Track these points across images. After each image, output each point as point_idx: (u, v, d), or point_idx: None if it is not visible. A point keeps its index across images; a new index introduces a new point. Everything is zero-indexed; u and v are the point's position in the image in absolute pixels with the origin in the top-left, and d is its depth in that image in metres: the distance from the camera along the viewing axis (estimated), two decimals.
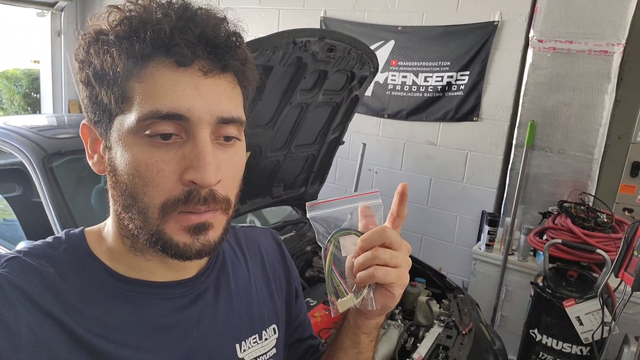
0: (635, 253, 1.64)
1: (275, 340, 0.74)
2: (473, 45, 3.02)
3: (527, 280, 2.65)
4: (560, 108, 2.82)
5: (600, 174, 2.85)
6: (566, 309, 2.21)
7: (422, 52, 3.20)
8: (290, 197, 2.47)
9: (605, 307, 2.15)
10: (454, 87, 3.15)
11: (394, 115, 3.39)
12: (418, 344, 1.76)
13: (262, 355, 0.71)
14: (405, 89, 3.31)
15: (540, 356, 2.37)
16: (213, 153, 0.55)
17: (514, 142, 3.00)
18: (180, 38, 0.53)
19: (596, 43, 2.66)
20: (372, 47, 2.40)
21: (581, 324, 2.19)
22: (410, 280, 2.13)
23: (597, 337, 2.18)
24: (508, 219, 2.94)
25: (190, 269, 0.66)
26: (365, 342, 0.72)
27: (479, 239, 3.14)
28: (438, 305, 2.03)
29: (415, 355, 1.66)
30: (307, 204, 0.64)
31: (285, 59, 1.66)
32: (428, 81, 3.21)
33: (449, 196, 3.32)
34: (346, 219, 0.64)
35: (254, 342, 0.70)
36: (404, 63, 3.28)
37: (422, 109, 3.27)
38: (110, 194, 0.60)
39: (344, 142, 2.50)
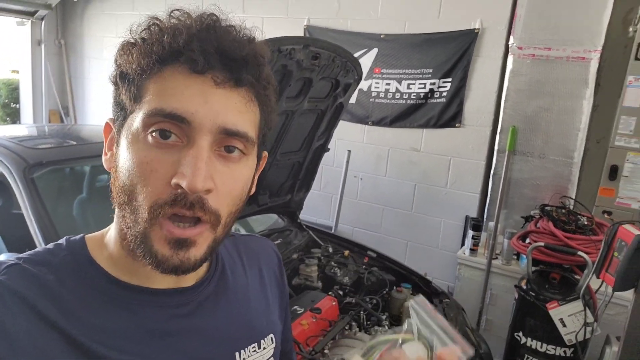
0: (616, 254, 1.68)
1: (272, 349, 0.74)
2: (455, 52, 3.08)
3: (511, 283, 2.69)
4: (540, 113, 2.88)
5: (580, 178, 2.91)
6: (549, 311, 2.24)
7: (405, 59, 3.24)
8: (276, 204, 2.47)
9: (587, 308, 2.19)
10: (437, 94, 3.19)
11: (378, 122, 3.42)
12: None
13: None
14: (388, 96, 3.34)
15: (525, 359, 2.40)
16: (208, 161, 0.55)
17: (496, 147, 3.05)
18: (197, 46, 0.54)
19: (574, 49, 2.73)
20: (355, 55, 2.42)
21: (564, 325, 2.23)
22: (396, 286, 2.14)
23: (580, 338, 2.21)
24: (491, 224, 2.98)
25: (189, 276, 0.65)
26: None
27: (463, 244, 3.17)
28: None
29: None
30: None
31: (270, 66, 1.66)
32: (411, 88, 3.25)
33: (433, 202, 3.36)
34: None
35: (253, 351, 0.70)
36: (387, 71, 3.31)
37: (405, 115, 3.31)
38: (112, 193, 0.61)
39: (329, 149, 2.51)
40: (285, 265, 2.31)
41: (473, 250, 2.97)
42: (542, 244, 2.39)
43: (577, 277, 2.38)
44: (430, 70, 3.17)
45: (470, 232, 2.96)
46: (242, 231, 2.70)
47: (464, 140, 3.18)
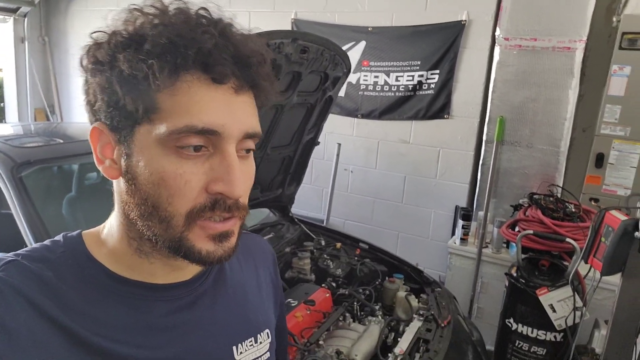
0: (603, 239, 1.71)
1: (268, 344, 0.75)
2: (442, 44, 3.09)
3: (502, 271, 2.73)
4: (527, 103, 2.91)
5: (567, 166, 2.96)
6: (539, 297, 2.28)
7: (393, 52, 3.25)
8: (267, 199, 2.47)
9: (576, 293, 2.23)
10: (425, 86, 3.21)
11: (368, 115, 3.44)
12: (399, 339, 1.79)
13: (257, 358, 0.72)
14: (377, 89, 3.35)
15: (516, 345, 2.44)
16: (239, 166, 0.57)
17: (484, 137, 3.08)
18: (220, 57, 0.54)
19: (559, 40, 2.76)
20: (343, 48, 2.42)
21: (554, 311, 2.27)
22: (388, 277, 2.16)
23: (569, 323, 2.26)
24: (481, 213, 3.01)
25: (188, 271, 0.67)
26: None
27: (453, 234, 3.20)
28: (417, 300, 2.07)
29: (396, 350, 1.69)
30: None
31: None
32: (399, 80, 3.27)
33: (423, 193, 3.39)
34: None
35: (250, 345, 0.72)
36: (376, 63, 3.32)
37: (394, 108, 3.33)
38: (121, 200, 0.60)
39: (319, 142, 2.51)
40: (278, 258, 2.32)
41: (463, 240, 3.00)
42: (531, 231, 2.43)
43: (565, 263, 2.42)
44: (418, 63, 3.19)
45: (460, 222, 2.99)
46: None
47: (453, 131, 3.21)
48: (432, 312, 1.98)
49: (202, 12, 0.57)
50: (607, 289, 2.28)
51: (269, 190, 2.47)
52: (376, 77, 3.34)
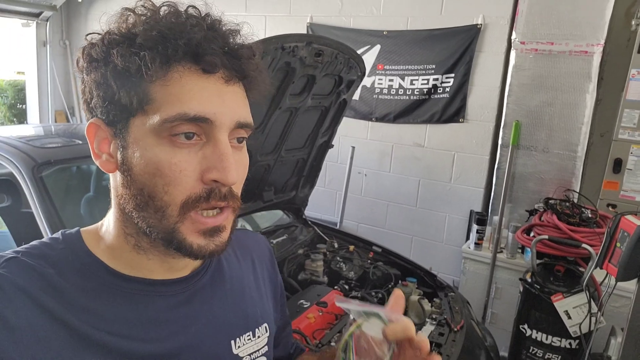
0: (618, 244, 1.69)
1: (266, 338, 0.76)
2: (457, 48, 3.08)
3: (516, 277, 2.70)
4: (543, 108, 2.89)
5: (584, 171, 2.92)
6: (554, 304, 2.26)
7: (408, 55, 3.25)
8: (281, 201, 2.49)
9: (592, 300, 2.20)
10: (440, 90, 3.20)
11: (382, 119, 3.44)
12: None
13: (255, 352, 0.74)
14: (392, 93, 3.36)
15: (530, 351, 2.41)
16: (233, 155, 0.59)
17: (500, 142, 3.05)
18: (209, 47, 0.56)
19: (576, 44, 2.73)
20: (358, 52, 2.43)
21: (569, 317, 2.24)
22: (401, 280, 2.16)
23: (584, 329, 2.23)
24: (496, 218, 2.99)
25: (185, 267, 0.69)
26: None
27: (467, 238, 3.18)
28: (430, 304, 2.06)
29: None
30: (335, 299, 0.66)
31: (274, 64, 1.68)
32: (414, 84, 3.26)
33: (437, 197, 3.37)
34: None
35: (248, 339, 0.73)
36: (390, 67, 3.33)
37: (409, 111, 3.32)
38: (117, 194, 0.62)
39: (333, 145, 2.52)
40: (290, 261, 2.35)
41: (478, 244, 2.98)
42: (547, 237, 2.40)
43: (581, 269, 2.39)
44: (433, 66, 3.18)
45: (475, 227, 2.97)
46: (248, 227, 2.72)
47: (468, 135, 3.19)
48: (445, 317, 1.97)
49: (191, 9, 0.59)
50: (624, 297, 2.25)
51: (282, 192, 2.49)
52: (391, 80, 3.34)
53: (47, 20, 4.85)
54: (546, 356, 2.36)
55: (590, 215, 2.51)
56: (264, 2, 3.76)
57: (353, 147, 3.40)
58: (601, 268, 1.81)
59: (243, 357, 0.71)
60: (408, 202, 3.48)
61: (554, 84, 2.83)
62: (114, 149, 0.60)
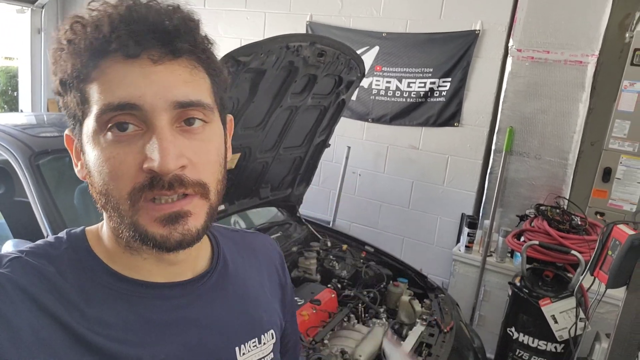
0: (610, 252, 1.73)
1: (272, 345, 0.75)
2: (455, 52, 3.12)
3: (505, 280, 2.75)
4: (537, 115, 2.94)
5: (574, 179, 2.98)
6: (542, 308, 2.30)
7: (406, 58, 3.28)
8: (277, 198, 2.51)
9: (579, 306, 2.25)
10: (436, 93, 3.24)
11: (378, 120, 3.47)
12: (402, 342, 1.82)
13: (261, 358, 0.72)
14: (389, 94, 3.38)
15: (516, 353, 2.46)
16: (173, 139, 0.55)
17: (493, 147, 3.10)
18: (124, 30, 0.53)
19: (572, 53, 2.78)
20: (357, 52, 2.46)
21: (556, 322, 2.29)
22: (392, 281, 2.19)
23: (571, 334, 2.27)
24: (487, 222, 3.03)
25: (188, 270, 0.67)
26: None
27: (458, 241, 3.23)
28: (420, 305, 2.09)
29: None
30: None
31: (278, 63, 1.70)
32: (411, 87, 3.30)
33: (430, 199, 3.41)
34: None
35: (253, 346, 0.71)
36: (388, 69, 3.35)
37: (405, 113, 3.36)
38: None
39: (330, 144, 2.55)
40: (284, 257, 2.35)
41: (468, 247, 3.02)
42: (537, 242, 2.45)
43: (569, 275, 2.44)
44: (431, 70, 3.22)
45: (466, 230, 3.02)
46: (242, 224, 2.73)
47: (462, 139, 3.23)
48: (435, 317, 2.00)
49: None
50: (610, 303, 2.30)
51: (278, 189, 2.50)
52: (388, 82, 3.37)
53: (42, 8, 4.79)
54: (532, 359, 2.41)
55: (579, 223, 2.56)
56: None
57: (349, 147, 3.43)
58: (592, 275, 1.85)
59: None
60: (401, 203, 3.52)
61: (548, 92, 2.88)
62: (83, 155, 0.60)
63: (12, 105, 5.57)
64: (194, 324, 0.65)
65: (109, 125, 0.54)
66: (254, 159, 2.09)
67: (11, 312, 0.53)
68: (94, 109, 0.54)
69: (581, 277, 2.19)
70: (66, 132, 0.62)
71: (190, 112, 0.57)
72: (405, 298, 2.11)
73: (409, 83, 3.30)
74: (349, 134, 3.55)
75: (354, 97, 3.43)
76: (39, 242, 0.62)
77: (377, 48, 3.37)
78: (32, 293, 0.55)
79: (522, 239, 2.67)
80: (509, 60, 2.96)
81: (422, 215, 3.46)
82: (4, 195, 2.50)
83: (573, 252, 2.32)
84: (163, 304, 0.63)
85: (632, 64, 2.69)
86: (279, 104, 1.93)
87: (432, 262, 3.36)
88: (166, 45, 0.55)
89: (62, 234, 0.64)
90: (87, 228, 0.65)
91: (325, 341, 1.75)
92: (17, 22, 4.88)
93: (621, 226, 1.73)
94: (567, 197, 2.91)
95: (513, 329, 2.47)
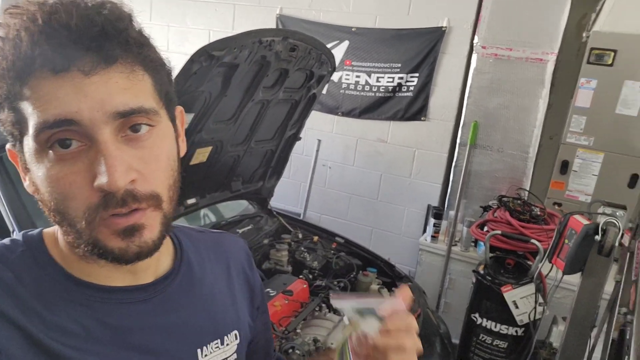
0: (566, 241, 1.84)
1: (236, 345, 0.74)
2: (422, 48, 3.19)
3: (469, 269, 2.86)
4: (500, 110, 3.05)
5: (534, 171, 3.11)
6: (504, 294, 2.41)
7: (375, 53, 3.33)
8: (248, 191, 2.52)
9: (538, 291, 2.37)
10: (404, 88, 3.31)
11: (348, 113, 3.51)
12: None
13: None
14: (358, 89, 3.44)
15: (480, 338, 2.57)
16: (119, 152, 0.52)
17: (458, 140, 3.20)
18: (47, 44, 0.49)
19: (533, 51, 2.90)
20: (327, 47, 2.49)
21: (517, 307, 2.40)
22: (362, 270, 2.23)
23: (530, 318, 2.40)
24: (452, 212, 3.14)
25: (148, 273, 0.65)
26: None
27: (424, 231, 3.33)
28: (389, 293, 2.16)
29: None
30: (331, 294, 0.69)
31: (251, 57, 1.71)
32: (380, 81, 3.36)
33: (397, 191, 3.49)
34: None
35: (215, 347, 0.70)
36: (358, 63, 3.40)
37: (374, 108, 3.42)
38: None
39: (300, 138, 2.57)
40: (256, 250, 2.38)
41: (434, 237, 3.12)
42: (500, 232, 2.56)
43: (529, 262, 2.56)
44: (399, 65, 3.28)
45: (432, 220, 3.11)
46: (212, 217, 2.73)
47: (429, 133, 3.32)
48: None
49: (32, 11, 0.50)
50: (566, 288, 2.43)
51: (250, 182, 2.52)
52: (358, 76, 3.42)
53: None
54: (494, 343, 2.53)
55: (539, 213, 2.69)
56: None
57: (319, 140, 3.47)
58: (550, 262, 1.96)
59: None
60: (369, 195, 3.59)
61: (510, 88, 3.00)
62: (28, 172, 0.56)
63: None
64: (156, 328, 0.63)
65: (49, 143, 0.51)
66: (225, 152, 2.10)
67: None
68: (31, 129, 0.51)
69: (540, 265, 2.31)
70: (8, 146, 0.57)
71: (133, 119, 0.53)
72: (375, 287, 2.18)
73: (377, 78, 3.36)
74: (319, 127, 3.58)
75: (324, 91, 3.46)
76: None
77: (346, 42, 3.40)
78: None
79: (486, 228, 2.78)
80: (474, 56, 3.05)
81: (390, 207, 3.54)
82: None
83: (533, 241, 2.44)
84: (124, 309, 0.61)
85: (588, 62, 2.81)
86: (251, 98, 1.94)
87: (399, 252, 3.44)
88: (96, 53, 0.50)
89: (19, 236, 0.61)
90: (45, 230, 0.62)
91: (298, 330, 1.79)
92: None
93: (577, 216, 1.84)
94: (528, 189, 3.04)
95: (477, 315, 2.58)
